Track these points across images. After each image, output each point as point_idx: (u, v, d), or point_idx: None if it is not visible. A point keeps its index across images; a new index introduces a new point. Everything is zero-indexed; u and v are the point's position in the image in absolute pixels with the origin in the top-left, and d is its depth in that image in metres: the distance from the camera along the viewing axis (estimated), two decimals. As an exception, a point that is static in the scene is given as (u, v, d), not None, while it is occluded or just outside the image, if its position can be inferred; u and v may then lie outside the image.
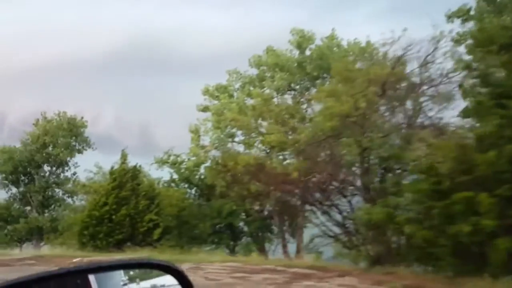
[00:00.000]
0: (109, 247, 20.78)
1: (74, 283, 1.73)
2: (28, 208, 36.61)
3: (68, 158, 37.45)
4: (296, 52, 23.49)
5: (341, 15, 50.15)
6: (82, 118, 37.75)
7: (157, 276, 1.84)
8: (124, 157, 23.67)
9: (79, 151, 37.30)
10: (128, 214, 21.12)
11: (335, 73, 15.38)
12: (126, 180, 22.31)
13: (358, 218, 12.27)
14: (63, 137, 35.76)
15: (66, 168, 37.86)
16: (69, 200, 37.94)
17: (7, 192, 36.33)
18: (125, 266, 1.91)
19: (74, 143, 37.19)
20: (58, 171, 37.53)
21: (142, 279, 1.86)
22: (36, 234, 35.52)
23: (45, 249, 30.09)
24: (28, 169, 35.50)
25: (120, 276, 1.84)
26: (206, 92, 23.94)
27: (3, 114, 29.44)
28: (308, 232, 18.99)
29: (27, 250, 33.27)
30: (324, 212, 15.19)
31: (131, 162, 24.55)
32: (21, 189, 36.76)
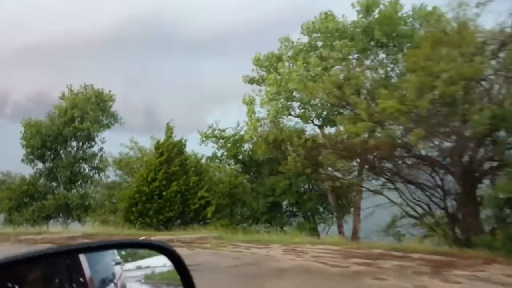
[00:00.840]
0: (159, 225, 19.29)
1: (64, 263, 1.67)
2: (54, 184, 35.15)
3: (95, 133, 35.99)
4: (350, 19, 21.52)
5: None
6: (110, 91, 36.05)
7: (150, 256, 1.78)
8: (170, 130, 21.96)
9: (107, 126, 35.65)
10: (179, 191, 19.53)
11: (426, 38, 13.54)
12: (174, 155, 20.66)
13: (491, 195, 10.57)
14: (92, 110, 34.00)
15: (92, 143, 36.47)
16: (96, 176, 36.59)
17: (33, 168, 34.84)
18: (116, 246, 1.86)
19: (101, 118, 35.57)
20: (85, 147, 35.98)
21: (134, 259, 1.81)
22: (64, 211, 34.15)
23: (84, 227, 28.65)
24: (55, 144, 33.89)
25: (112, 256, 1.78)
26: (256, 61, 22.01)
27: (8, 91, 27.72)
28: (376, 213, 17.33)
29: (57, 227, 31.94)
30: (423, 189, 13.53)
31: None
32: (47, 164, 35.25)
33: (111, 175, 34.37)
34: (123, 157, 30.24)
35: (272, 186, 20.01)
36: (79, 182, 35.32)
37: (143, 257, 1.79)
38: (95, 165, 36.09)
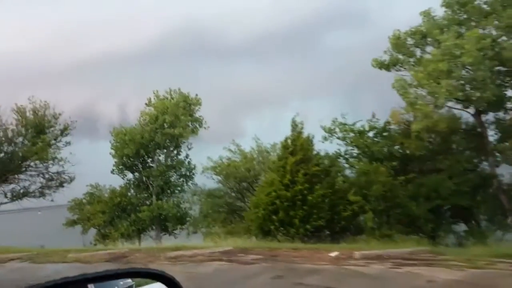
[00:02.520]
0: (304, 236, 15.92)
1: None
2: (145, 194, 32.93)
3: (182, 140, 33.60)
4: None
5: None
6: (196, 95, 33.58)
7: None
8: (296, 125, 18.70)
9: (194, 132, 33.14)
10: (324, 195, 16.18)
11: None
12: (309, 154, 17.38)
13: None
14: (183, 115, 31.59)
15: (180, 150, 34.07)
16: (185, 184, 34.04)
17: (123, 178, 32.77)
18: (118, 275, 1.91)
19: (188, 123, 33.14)
20: (173, 154, 33.62)
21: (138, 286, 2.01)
22: (157, 224, 31.74)
23: (179, 240, 25.89)
24: (146, 152, 31.72)
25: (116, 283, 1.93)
26: (395, 40, 18.38)
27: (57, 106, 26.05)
28: None
29: (149, 242, 29.45)
30: None
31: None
32: (136, 174, 33.11)
33: (206, 183, 31.70)
34: (221, 161, 27.34)
35: (435, 187, 16.23)
36: (170, 191, 33.08)
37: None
38: (183, 172, 33.79)
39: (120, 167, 31.52)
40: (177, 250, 15.07)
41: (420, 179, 16.93)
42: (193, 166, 32.91)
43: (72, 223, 30.94)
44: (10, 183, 26.47)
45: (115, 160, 31.24)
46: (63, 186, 26.94)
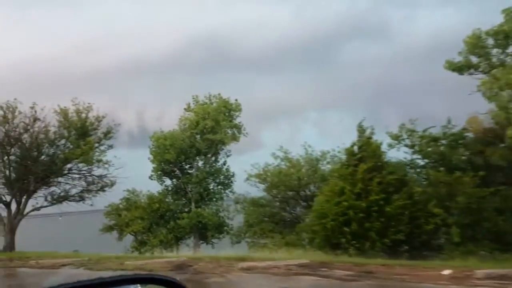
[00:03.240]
0: (379, 251, 14.44)
1: None
2: (183, 201, 31.81)
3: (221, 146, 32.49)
4: None
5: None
6: (236, 100, 32.49)
7: None
8: (364, 131, 17.34)
9: (234, 138, 31.99)
10: (403, 206, 14.72)
11: None
12: (381, 162, 15.97)
13: None
14: (224, 121, 30.52)
15: (219, 157, 32.93)
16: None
17: (161, 185, 31.74)
18: (129, 281, 1.85)
19: (227, 129, 32.04)
20: (211, 161, 32.49)
21: None
22: (196, 232, 30.54)
23: (216, 250, 24.55)
24: (186, 157, 30.68)
25: None
26: (475, 39, 16.95)
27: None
28: None
29: (186, 250, 28.19)
30: None
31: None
32: (174, 180, 32.05)
33: (242, 191, 30.44)
34: (266, 169, 25.99)
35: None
36: (208, 199, 31.88)
37: None
38: (221, 180, 32.63)
39: (159, 172, 30.56)
40: (241, 260, 13.77)
41: (507, 191, 15.32)
42: (231, 174, 31.84)
43: (108, 228, 29.95)
44: (50, 186, 25.57)
45: (154, 165, 30.31)
46: (104, 190, 25.90)
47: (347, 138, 17.66)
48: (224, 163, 32.36)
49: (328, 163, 24.49)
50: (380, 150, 16.13)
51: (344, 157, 17.75)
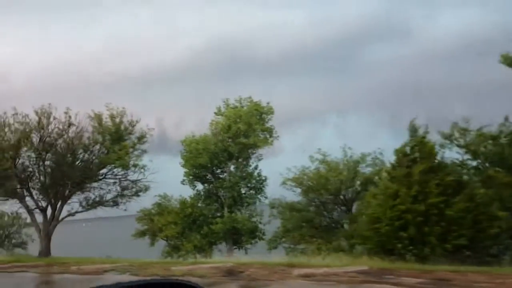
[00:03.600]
0: (440, 256, 13.53)
1: None
2: (215, 206, 31.26)
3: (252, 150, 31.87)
4: None
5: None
6: (268, 103, 31.87)
7: None
8: (416, 130, 16.47)
9: (267, 141, 31.31)
10: (464, 209, 13.80)
11: None
12: (439, 162, 15.08)
13: None
14: (256, 124, 29.93)
15: (250, 161, 32.30)
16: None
17: (193, 189, 31.28)
18: (152, 285, 1.85)
19: (259, 132, 31.43)
20: (242, 165, 31.89)
21: None
22: (229, 237, 29.93)
23: (251, 256, 23.79)
24: (218, 162, 30.18)
25: None
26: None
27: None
28: None
29: (218, 255, 27.53)
30: None
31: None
32: (206, 184, 31.55)
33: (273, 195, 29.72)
34: (304, 172, 25.23)
35: None
36: (241, 203, 31.27)
37: None
38: (253, 184, 31.98)
39: (191, 177, 30.11)
40: (292, 266, 13.06)
41: None
42: (263, 178, 31.16)
43: (141, 234, 29.61)
44: (84, 191, 25.35)
45: (185, 169, 29.89)
46: (138, 195, 25.57)
47: (373, 141, 16.80)
48: (256, 167, 31.64)
49: (367, 165, 23.63)
50: (435, 150, 15.20)
51: (384, 159, 16.87)
